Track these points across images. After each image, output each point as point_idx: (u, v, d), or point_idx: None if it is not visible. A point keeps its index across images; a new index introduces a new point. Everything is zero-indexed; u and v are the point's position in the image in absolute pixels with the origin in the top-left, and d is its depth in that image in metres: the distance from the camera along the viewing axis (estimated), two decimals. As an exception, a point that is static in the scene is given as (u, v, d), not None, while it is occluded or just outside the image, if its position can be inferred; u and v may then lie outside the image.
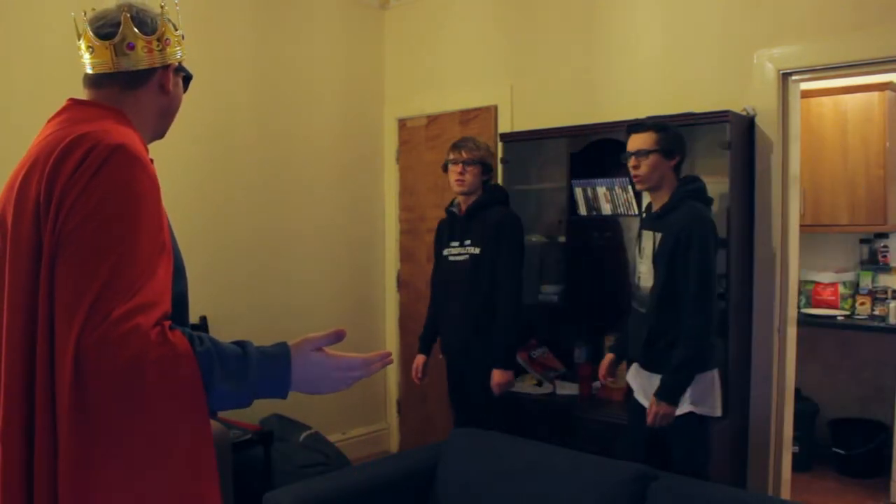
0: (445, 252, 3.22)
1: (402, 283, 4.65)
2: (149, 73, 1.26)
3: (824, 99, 4.14)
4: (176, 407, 1.03)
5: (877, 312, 4.17)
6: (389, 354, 1.26)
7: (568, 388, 3.50)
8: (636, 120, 2.82)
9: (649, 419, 2.51)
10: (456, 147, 3.14)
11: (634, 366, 2.76)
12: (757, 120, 3.18)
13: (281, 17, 4.11)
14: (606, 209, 3.45)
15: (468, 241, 3.13)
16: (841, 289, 4.34)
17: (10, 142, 2.13)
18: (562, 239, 3.69)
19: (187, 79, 1.37)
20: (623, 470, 2.24)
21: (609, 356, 2.91)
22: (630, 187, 3.29)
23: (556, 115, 3.79)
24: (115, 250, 1.04)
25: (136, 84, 1.26)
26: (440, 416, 4.20)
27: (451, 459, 2.60)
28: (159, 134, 1.36)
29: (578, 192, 3.52)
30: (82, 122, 1.17)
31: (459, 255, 3.15)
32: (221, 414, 3.14)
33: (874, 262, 4.29)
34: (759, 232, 3.20)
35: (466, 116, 4.28)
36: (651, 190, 2.66)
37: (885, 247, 4.26)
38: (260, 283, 4.03)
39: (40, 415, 1.04)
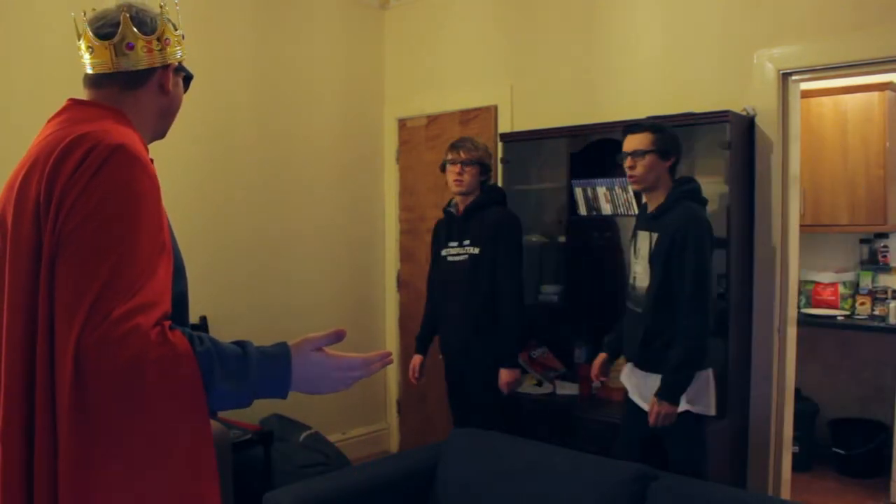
0: (444, 252, 3.22)
1: (402, 283, 4.65)
2: (148, 73, 1.26)
3: (824, 99, 4.14)
4: (176, 407, 1.03)
5: (877, 312, 4.17)
6: (389, 354, 1.26)
7: (568, 388, 3.50)
8: (633, 121, 2.83)
9: (651, 419, 2.51)
10: (454, 147, 3.14)
11: (629, 366, 2.77)
12: (757, 120, 3.18)
13: (281, 17, 4.11)
14: (606, 209, 3.45)
15: (467, 242, 3.13)
16: (841, 289, 4.34)
17: (10, 142, 2.13)
18: (562, 239, 3.69)
19: (188, 79, 1.37)
20: (623, 470, 2.24)
21: (602, 355, 2.92)
22: (630, 187, 3.29)
23: (556, 115, 3.79)
24: (115, 250, 1.04)
25: (136, 84, 1.26)
26: (440, 416, 4.20)
27: (451, 459, 2.60)
28: (160, 134, 1.36)
29: (578, 192, 3.52)
30: (82, 122, 1.17)
31: (458, 255, 3.15)
32: (221, 414, 3.14)
33: (874, 262, 4.29)
34: (759, 232, 3.20)
35: (466, 116, 4.28)
36: (646, 190, 2.68)
37: (885, 247, 4.26)
38: (260, 283, 4.03)
39: (40, 415, 1.04)
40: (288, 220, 4.18)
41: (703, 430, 2.61)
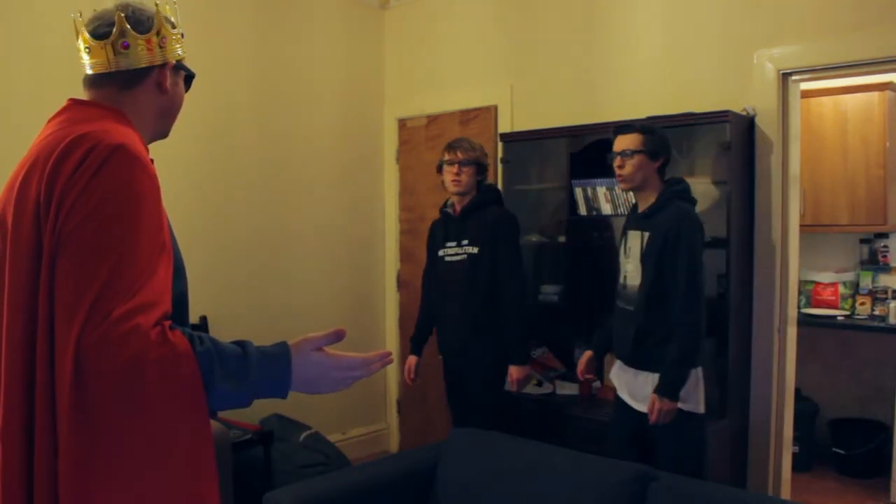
0: (441, 252, 3.22)
1: (402, 283, 4.65)
2: (146, 72, 1.26)
3: (824, 99, 4.14)
4: (176, 407, 1.03)
5: (877, 312, 4.17)
6: (389, 354, 1.26)
7: (568, 388, 3.50)
8: (624, 121, 2.85)
9: (653, 417, 2.52)
10: (451, 147, 3.15)
11: (618, 364, 2.79)
12: (757, 120, 3.18)
13: (281, 17, 4.11)
14: (606, 209, 3.45)
15: (465, 241, 3.13)
16: (841, 289, 4.34)
17: (10, 142, 2.13)
18: (562, 239, 3.69)
19: (189, 77, 1.37)
20: (623, 470, 2.24)
21: (588, 353, 2.94)
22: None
23: (556, 115, 3.79)
24: (115, 250, 1.04)
25: (134, 83, 1.26)
26: (440, 416, 4.20)
27: (451, 459, 2.60)
28: (161, 133, 1.35)
29: (578, 192, 3.52)
30: (82, 122, 1.17)
31: (456, 254, 3.15)
32: (221, 414, 3.14)
33: (874, 262, 4.29)
34: (759, 232, 3.20)
35: (466, 116, 4.28)
36: (635, 190, 2.72)
37: (885, 247, 4.26)
38: (260, 283, 4.03)
39: (40, 415, 1.04)
40: (288, 220, 4.18)
41: (693, 428, 2.63)
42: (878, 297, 4.21)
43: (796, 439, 3.60)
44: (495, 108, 4.14)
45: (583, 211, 3.53)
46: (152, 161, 1.18)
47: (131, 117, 1.24)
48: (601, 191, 3.44)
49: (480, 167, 3.15)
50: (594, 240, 3.69)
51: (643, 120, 2.95)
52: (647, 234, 2.63)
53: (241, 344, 1.12)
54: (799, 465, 3.72)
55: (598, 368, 3.12)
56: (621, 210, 3.41)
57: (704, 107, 3.12)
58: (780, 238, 3.17)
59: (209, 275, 3.70)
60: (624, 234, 2.81)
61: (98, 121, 1.18)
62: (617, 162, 2.67)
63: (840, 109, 4.12)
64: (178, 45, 1.30)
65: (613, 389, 2.87)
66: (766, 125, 3.17)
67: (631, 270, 2.70)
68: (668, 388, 2.51)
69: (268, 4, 4.05)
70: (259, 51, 4.02)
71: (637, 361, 2.66)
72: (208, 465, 1.10)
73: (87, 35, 1.24)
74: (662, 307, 2.57)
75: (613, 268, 3.64)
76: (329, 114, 4.38)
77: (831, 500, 3.81)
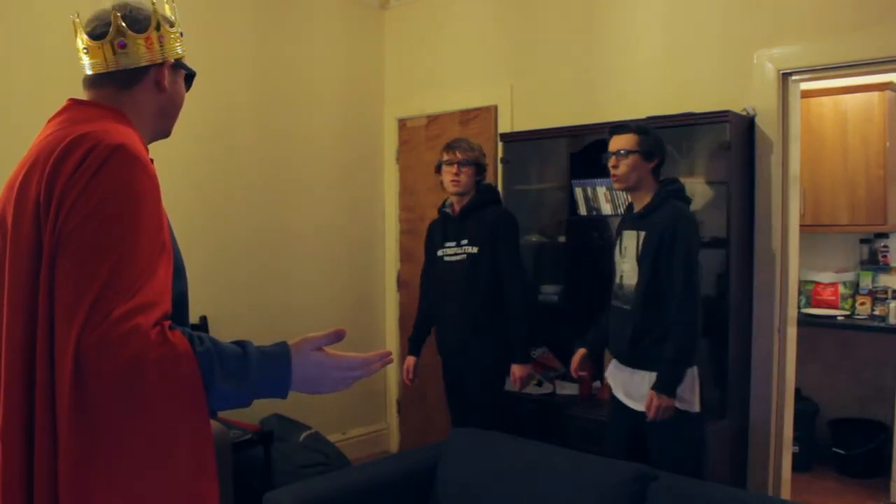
0: (440, 253, 3.22)
1: (402, 283, 4.65)
2: (144, 71, 1.26)
3: (824, 99, 4.14)
4: (176, 407, 1.03)
5: (877, 312, 4.17)
6: (389, 354, 1.26)
7: (568, 388, 3.50)
8: (619, 122, 2.86)
9: (651, 414, 2.53)
10: (450, 148, 3.15)
11: (614, 363, 2.80)
12: (757, 120, 3.18)
13: (281, 17, 4.11)
14: (606, 209, 3.45)
15: (465, 241, 3.13)
16: (841, 289, 4.34)
17: (10, 142, 2.13)
18: (562, 239, 3.69)
19: (190, 76, 1.37)
20: (623, 470, 2.24)
21: (581, 351, 2.95)
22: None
23: (556, 115, 3.79)
24: (115, 250, 1.04)
25: (132, 83, 1.26)
26: (440, 416, 4.20)
27: (451, 459, 2.60)
28: (162, 132, 1.35)
29: (578, 192, 3.52)
30: (82, 122, 1.17)
31: (456, 254, 3.15)
32: (221, 414, 3.14)
33: (874, 262, 4.29)
34: (759, 232, 3.20)
35: (466, 116, 4.28)
36: (629, 190, 2.74)
37: (885, 247, 4.26)
38: (260, 283, 4.03)
39: (40, 414, 1.04)
40: (288, 220, 4.18)
41: (689, 427, 2.64)
42: (878, 297, 4.21)
43: (796, 439, 3.60)
44: (495, 108, 4.14)
45: (583, 211, 3.53)
46: (152, 161, 1.18)
47: (131, 117, 1.24)
48: (601, 191, 3.44)
49: (479, 167, 3.16)
50: (594, 240, 3.69)
51: (639, 120, 2.97)
52: (643, 234, 2.65)
53: (241, 344, 1.12)
54: (799, 465, 3.72)
55: (599, 369, 3.12)
56: (621, 210, 3.40)
57: (704, 107, 3.12)
58: (780, 238, 3.17)
59: (209, 275, 3.70)
60: (619, 234, 2.83)
61: (98, 121, 1.18)
62: (612, 162, 2.68)
63: (840, 109, 4.12)
64: (177, 44, 1.30)
65: (609, 389, 2.88)
66: (766, 125, 3.17)
67: (627, 270, 2.71)
68: (666, 386, 2.53)
69: (268, 4, 4.05)
70: (259, 51, 4.02)
71: (634, 360, 2.67)
72: (208, 465, 1.10)
73: (84, 35, 1.24)
74: (659, 306, 2.59)
75: (614, 268, 3.66)
76: (329, 114, 4.38)
77: (831, 500, 3.81)
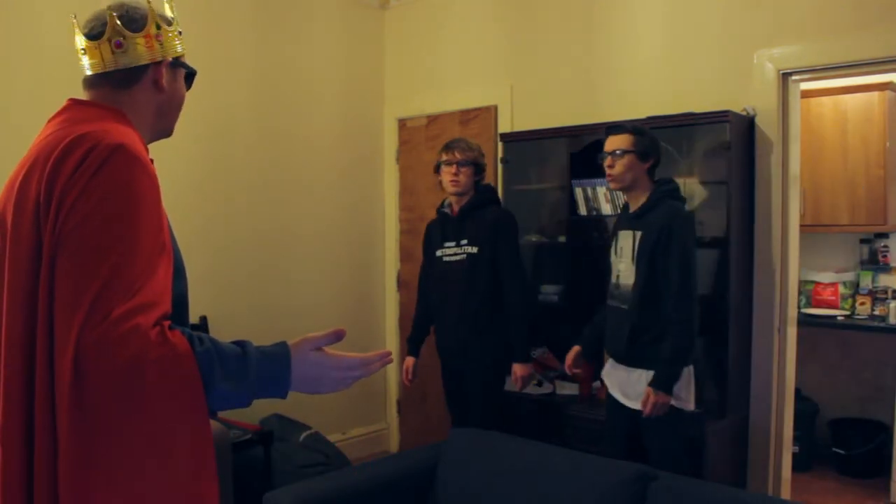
0: (439, 253, 3.22)
1: (402, 283, 4.65)
2: (141, 70, 1.26)
3: (824, 99, 4.14)
4: (176, 407, 1.03)
5: (877, 312, 4.17)
6: (389, 354, 1.26)
7: (568, 388, 3.50)
8: (615, 122, 2.88)
9: (648, 410, 2.55)
10: (449, 148, 3.15)
11: (610, 362, 2.82)
12: (757, 120, 3.18)
13: (281, 17, 4.11)
14: (606, 209, 3.45)
15: (465, 241, 3.13)
16: (841, 289, 4.34)
17: (10, 142, 2.14)
18: (562, 239, 3.69)
19: (191, 75, 1.37)
20: (623, 470, 2.24)
21: (576, 348, 2.97)
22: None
23: (556, 115, 3.79)
24: (115, 250, 1.04)
25: (130, 82, 1.25)
26: (440, 416, 4.20)
27: (451, 459, 2.60)
28: (163, 131, 1.35)
29: (578, 192, 3.52)
30: (82, 122, 1.17)
31: (455, 254, 3.15)
32: (221, 414, 3.14)
33: (874, 262, 4.29)
34: (759, 232, 3.20)
35: (466, 116, 4.28)
36: (625, 190, 2.76)
37: (885, 247, 4.26)
38: (260, 283, 4.03)
39: (40, 414, 1.04)
40: (288, 220, 4.18)
41: (683, 425, 2.66)
42: (878, 297, 4.21)
43: (796, 439, 3.60)
44: (495, 108, 4.14)
45: (583, 211, 3.53)
46: (152, 161, 1.18)
47: (130, 117, 1.24)
48: (601, 191, 3.44)
49: (478, 167, 3.16)
50: (594, 240, 3.69)
51: (637, 121, 2.99)
52: (639, 234, 2.67)
53: (240, 344, 1.12)
54: (799, 465, 3.72)
55: (598, 369, 3.12)
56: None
57: (704, 107, 3.12)
58: (780, 238, 3.17)
59: (209, 275, 3.70)
60: (614, 234, 2.85)
61: (98, 121, 1.18)
62: (608, 162, 2.71)
63: (840, 109, 4.12)
64: (176, 42, 1.30)
65: (600, 387, 2.89)
66: (766, 125, 3.17)
67: (623, 270, 2.74)
68: (664, 382, 2.55)
69: (268, 4, 4.05)
70: (259, 51, 4.02)
71: (631, 359, 2.69)
72: (208, 465, 1.10)
73: (82, 36, 1.24)
74: (656, 305, 2.61)
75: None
76: (329, 114, 4.38)
77: (831, 500, 3.81)
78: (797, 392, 3.71)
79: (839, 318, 4.21)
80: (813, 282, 4.41)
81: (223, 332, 3.59)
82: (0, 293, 1.13)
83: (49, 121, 1.24)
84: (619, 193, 3.36)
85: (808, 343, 3.99)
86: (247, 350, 1.11)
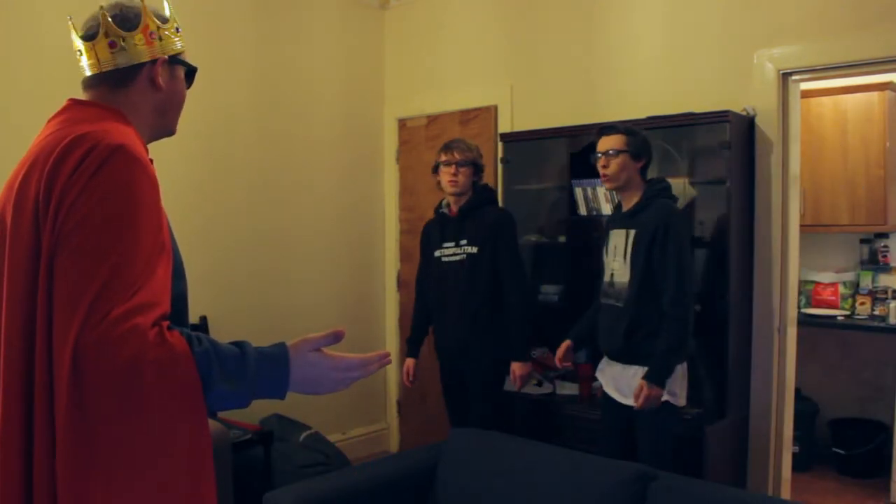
0: (438, 253, 3.22)
1: (402, 283, 4.65)
2: (137, 69, 1.25)
3: (824, 99, 4.14)
4: (174, 407, 1.03)
5: (877, 312, 4.17)
6: (388, 355, 1.26)
7: (568, 388, 3.50)
8: (607, 123, 2.90)
9: (640, 402, 2.57)
10: (448, 148, 3.15)
11: (604, 360, 2.84)
12: (757, 120, 3.18)
13: (281, 17, 4.11)
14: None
15: (464, 241, 3.13)
16: (841, 289, 4.34)
17: (10, 142, 2.13)
18: (562, 239, 3.69)
19: (191, 72, 1.36)
20: (623, 470, 2.24)
21: (566, 343, 2.98)
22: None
23: (556, 115, 3.79)
24: (114, 250, 1.04)
25: (126, 82, 1.25)
26: (440, 416, 4.19)
27: (451, 459, 2.60)
28: (163, 130, 1.34)
29: (578, 192, 3.52)
30: (82, 122, 1.17)
31: (455, 255, 3.15)
32: (221, 414, 3.14)
33: (874, 262, 4.29)
34: (759, 232, 3.20)
35: (466, 116, 4.28)
36: (618, 190, 2.80)
37: (886, 247, 4.26)
38: (260, 283, 4.03)
39: (39, 414, 1.04)
40: (288, 220, 4.18)
41: (672, 421, 2.69)
42: (878, 297, 4.20)
43: (796, 439, 3.60)
44: (495, 108, 4.14)
45: (583, 211, 3.53)
46: (152, 161, 1.18)
47: (130, 116, 1.24)
48: (601, 191, 3.44)
49: (477, 168, 3.16)
50: (594, 240, 3.67)
51: (634, 121, 3.02)
52: (633, 232, 2.70)
53: (239, 344, 1.12)
54: (799, 465, 3.72)
55: (595, 364, 3.13)
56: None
57: (704, 107, 3.12)
58: (780, 238, 3.17)
59: (209, 275, 3.70)
60: (607, 233, 2.87)
61: (98, 121, 1.18)
62: (601, 162, 2.74)
63: (840, 109, 4.12)
64: (175, 40, 1.30)
65: (600, 386, 2.89)
66: (766, 125, 3.16)
67: (617, 268, 2.76)
68: (658, 376, 2.58)
69: (268, 4, 4.05)
70: (259, 51, 4.02)
71: (626, 356, 2.71)
72: (207, 466, 1.10)
73: (79, 38, 1.24)
74: (652, 302, 2.63)
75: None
76: (329, 114, 4.38)
77: (831, 500, 3.81)
78: (797, 392, 3.71)
79: (839, 318, 4.21)
80: (813, 282, 4.41)
81: (223, 332, 3.59)
82: (-1, 293, 1.13)
83: (49, 121, 1.24)
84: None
85: (808, 343, 3.99)
86: (245, 351, 1.11)
